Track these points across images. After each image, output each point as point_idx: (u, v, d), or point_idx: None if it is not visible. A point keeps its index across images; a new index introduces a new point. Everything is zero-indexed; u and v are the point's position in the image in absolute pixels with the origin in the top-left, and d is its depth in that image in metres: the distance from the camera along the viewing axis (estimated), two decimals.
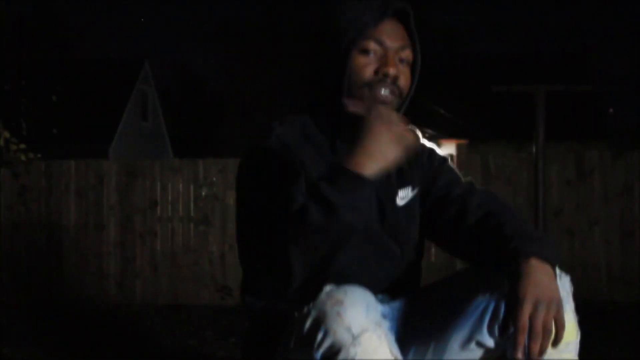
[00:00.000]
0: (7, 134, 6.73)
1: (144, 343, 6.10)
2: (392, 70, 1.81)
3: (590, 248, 7.63)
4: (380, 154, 1.57)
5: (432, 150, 2.06)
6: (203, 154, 28.92)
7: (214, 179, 8.07)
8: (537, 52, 25.54)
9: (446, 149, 19.92)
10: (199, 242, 8.05)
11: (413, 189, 1.96)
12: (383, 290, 1.87)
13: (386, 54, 1.82)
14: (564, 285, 1.71)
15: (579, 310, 1.73)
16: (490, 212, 1.83)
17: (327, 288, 1.57)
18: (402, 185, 1.95)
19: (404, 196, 1.93)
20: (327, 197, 1.52)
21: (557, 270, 1.69)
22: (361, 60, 1.81)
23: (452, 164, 2.06)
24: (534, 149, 4.26)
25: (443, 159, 2.05)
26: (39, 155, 7.44)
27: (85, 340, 6.05)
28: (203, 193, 8.04)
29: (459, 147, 20.83)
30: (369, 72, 1.81)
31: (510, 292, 1.61)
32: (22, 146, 6.98)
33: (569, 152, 8.03)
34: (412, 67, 1.90)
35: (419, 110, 20.49)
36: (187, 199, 8.10)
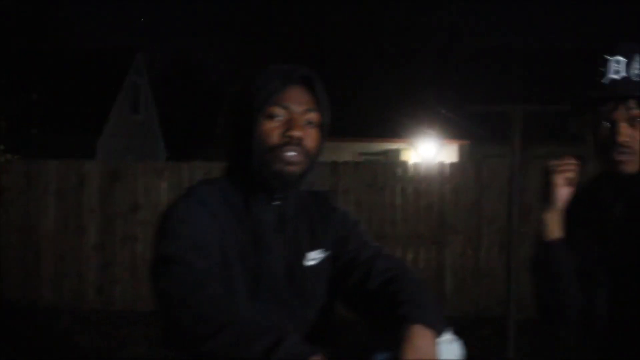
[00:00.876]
0: None
1: (121, 350, 6.20)
2: (296, 133, 1.97)
3: None
4: None
5: (345, 213, 2.22)
6: (198, 149, 28.97)
7: None
8: (543, 47, 25.56)
9: (448, 150, 20.02)
10: None
11: (325, 251, 2.12)
12: None
13: (292, 118, 1.99)
14: (453, 350, 1.88)
15: None
16: (392, 277, 2.00)
17: None
18: (314, 247, 2.11)
19: (313, 258, 2.09)
20: None
21: (450, 336, 1.88)
22: (268, 125, 1.98)
23: (363, 227, 2.22)
24: (511, 164, 4.38)
25: (355, 222, 2.21)
26: (16, 157, 7.54)
27: (61, 346, 6.16)
28: None
29: (460, 148, 20.97)
30: (275, 135, 1.98)
31: (394, 354, 1.78)
32: (1, 147, 7.08)
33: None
34: (322, 127, 2.07)
35: (421, 111, 20.59)
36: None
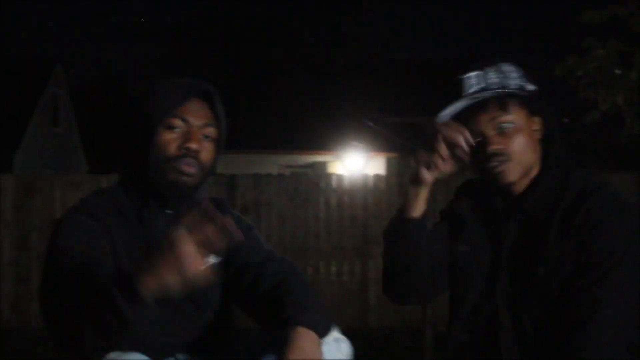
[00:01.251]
0: None
1: None
2: (193, 145, 2.09)
3: None
4: (171, 279, 1.72)
5: (239, 219, 2.33)
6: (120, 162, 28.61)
7: None
8: (477, 58, 26.02)
9: (375, 163, 20.23)
10: None
11: (216, 256, 2.18)
12: (183, 350, 2.16)
13: (190, 131, 2.11)
14: (341, 349, 2.03)
15: None
16: (282, 280, 2.12)
17: (111, 355, 1.87)
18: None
19: (206, 261, 2.15)
20: (115, 308, 1.73)
21: (337, 335, 2.02)
22: (166, 136, 2.10)
23: (256, 232, 2.34)
24: None
25: (248, 227, 2.32)
26: None
27: None
28: None
29: (388, 161, 21.21)
30: (173, 147, 2.09)
31: (279, 356, 1.91)
32: None
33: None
34: (218, 142, 2.19)
35: (349, 122, 20.74)
36: None
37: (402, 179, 8.46)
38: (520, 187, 2.16)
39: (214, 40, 25.15)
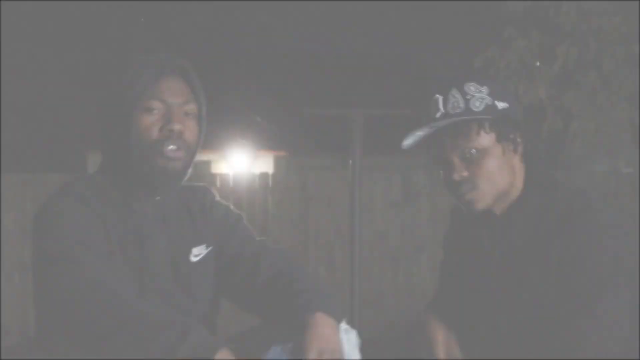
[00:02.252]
0: None
1: None
2: (176, 126, 2.07)
3: (416, 275, 7.93)
4: None
5: (227, 208, 2.34)
6: None
7: None
8: (369, 53, 26.38)
9: (263, 162, 20.16)
10: None
11: (207, 246, 2.22)
12: None
13: (170, 111, 2.08)
14: (350, 339, 2.03)
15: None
16: (281, 270, 2.14)
17: None
18: (197, 242, 2.20)
19: (198, 253, 2.19)
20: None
21: (345, 325, 2.03)
22: (145, 119, 2.05)
23: (246, 222, 2.35)
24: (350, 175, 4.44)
25: (238, 217, 2.33)
26: None
27: None
28: None
29: (277, 160, 21.13)
30: (154, 130, 2.06)
31: (298, 342, 1.91)
32: None
33: (394, 172, 8.32)
34: (200, 117, 2.19)
35: (233, 118, 20.60)
36: None
37: (305, 178, 8.37)
38: (501, 209, 2.21)
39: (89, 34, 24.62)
